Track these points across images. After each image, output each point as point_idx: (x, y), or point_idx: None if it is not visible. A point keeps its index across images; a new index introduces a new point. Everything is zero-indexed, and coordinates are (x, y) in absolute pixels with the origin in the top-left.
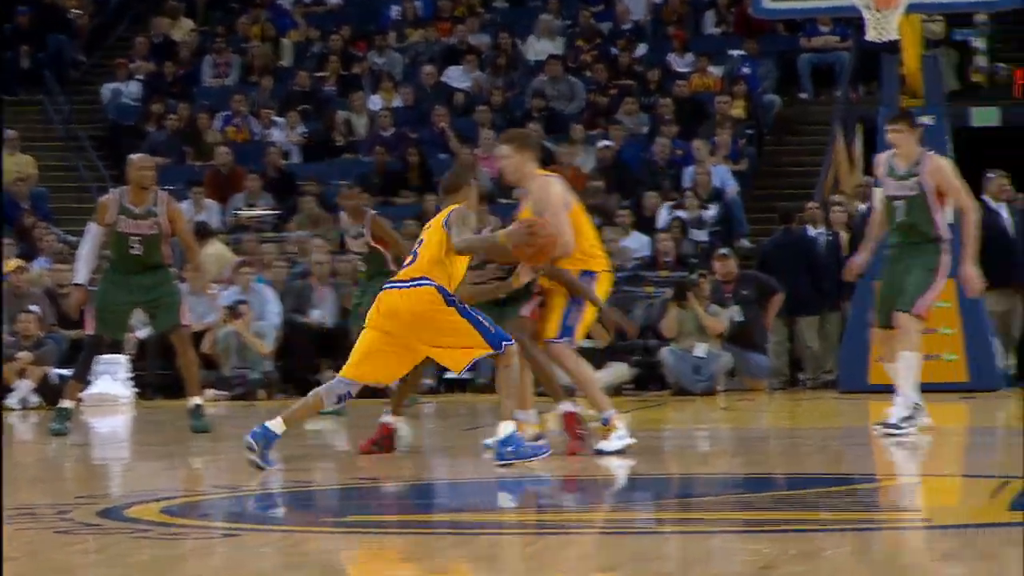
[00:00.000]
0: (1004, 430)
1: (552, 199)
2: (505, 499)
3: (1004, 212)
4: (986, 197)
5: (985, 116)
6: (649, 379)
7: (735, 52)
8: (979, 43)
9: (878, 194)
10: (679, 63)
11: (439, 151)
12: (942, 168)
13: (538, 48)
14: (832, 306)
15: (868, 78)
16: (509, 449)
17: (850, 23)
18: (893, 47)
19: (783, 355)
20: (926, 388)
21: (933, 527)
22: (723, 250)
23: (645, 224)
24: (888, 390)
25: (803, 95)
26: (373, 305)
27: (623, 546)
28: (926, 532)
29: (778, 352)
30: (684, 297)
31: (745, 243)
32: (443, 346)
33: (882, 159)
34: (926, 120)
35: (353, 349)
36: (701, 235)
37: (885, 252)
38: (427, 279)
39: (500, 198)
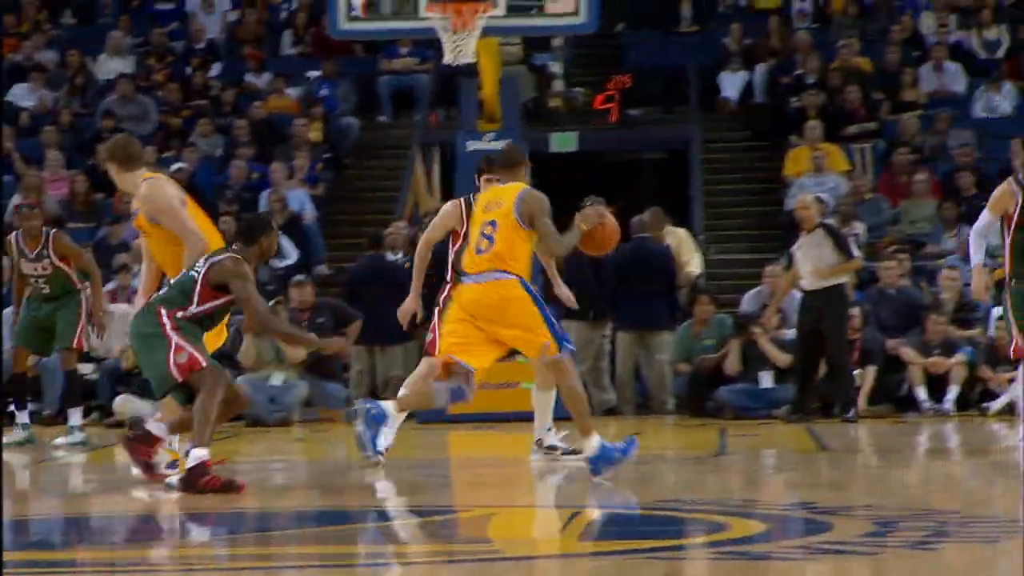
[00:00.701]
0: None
1: (164, 199)
2: (54, 536)
3: None
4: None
5: (563, 141)
6: None
7: (313, 73)
8: (556, 68)
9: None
10: (255, 84)
11: (3, 172)
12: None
13: (108, 66)
14: (416, 333)
15: (448, 102)
16: (603, 462)
17: (430, 45)
18: (471, 70)
19: (363, 384)
20: (502, 418)
21: (503, 559)
22: (299, 277)
23: None
24: (461, 420)
25: (382, 118)
26: (454, 300)
27: None
28: (495, 564)
29: (358, 381)
30: None
31: (323, 269)
32: (520, 331)
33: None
34: (501, 145)
35: (444, 333)
36: (276, 261)
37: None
38: (507, 272)
39: (70, 221)
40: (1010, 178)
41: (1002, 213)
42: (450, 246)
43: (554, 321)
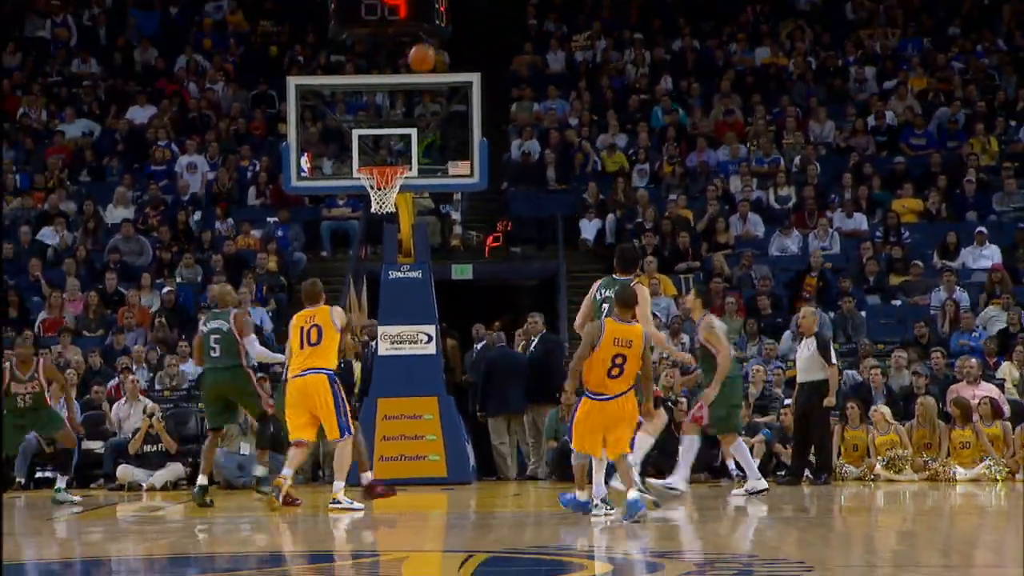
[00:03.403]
0: (474, 514)
1: None
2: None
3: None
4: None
5: (461, 271)
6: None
7: (271, 219)
8: (456, 215)
9: None
10: (226, 227)
11: (33, 295)
12: None
13: (115, 214)
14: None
15: (374, 241)
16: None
17: (360, 198)
18: (392, 217)
19: (309, 458)
20: (414, 482)
21: None
22: (261, 374)
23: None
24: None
25: (324, 253)
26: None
27: None
28: None
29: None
30: None
31: (277, 369)
32: None
33: None
34: (414, 275)
35: None
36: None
37: None
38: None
39: (85, 331)
40: None
41: None
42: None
43: None
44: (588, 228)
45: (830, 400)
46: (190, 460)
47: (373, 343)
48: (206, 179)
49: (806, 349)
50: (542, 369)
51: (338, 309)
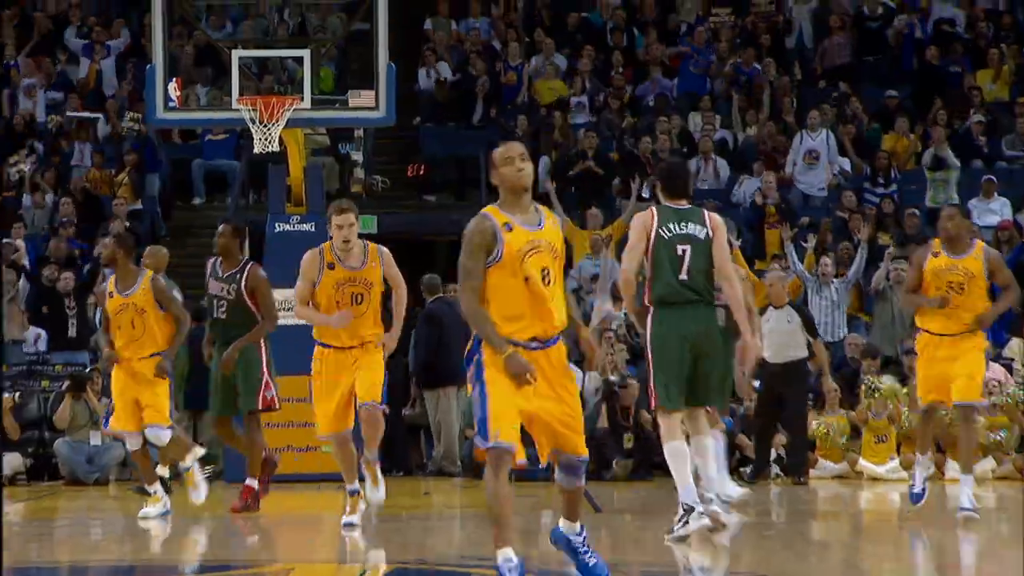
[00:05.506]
0: (375, 517)
1: None
2: None
3: None
4: None
5: (364, 224)
6: (44, 469)
7: (129, 157)
8: (358, 156)
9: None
10: (81, 168)
11: None
12: None
13: None
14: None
15: (258, 186)
16: None
17: (242, 134)
18: (278, 157)
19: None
20: (304, 479)
21: None
22: None
23: (40, 320)
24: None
25: (196, 201)
26: None
27: None
28: None
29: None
30: (82, 389)
31: None
32: None
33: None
34: (306, 227)
35: None
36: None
37: None
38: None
39: None
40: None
41: None
42: None
43: None
44: None
45: (828, 382)
46: (30, 451)
47: None
48: (52, 105)
49: (781, 322)
50: (426, 344)
51: None
